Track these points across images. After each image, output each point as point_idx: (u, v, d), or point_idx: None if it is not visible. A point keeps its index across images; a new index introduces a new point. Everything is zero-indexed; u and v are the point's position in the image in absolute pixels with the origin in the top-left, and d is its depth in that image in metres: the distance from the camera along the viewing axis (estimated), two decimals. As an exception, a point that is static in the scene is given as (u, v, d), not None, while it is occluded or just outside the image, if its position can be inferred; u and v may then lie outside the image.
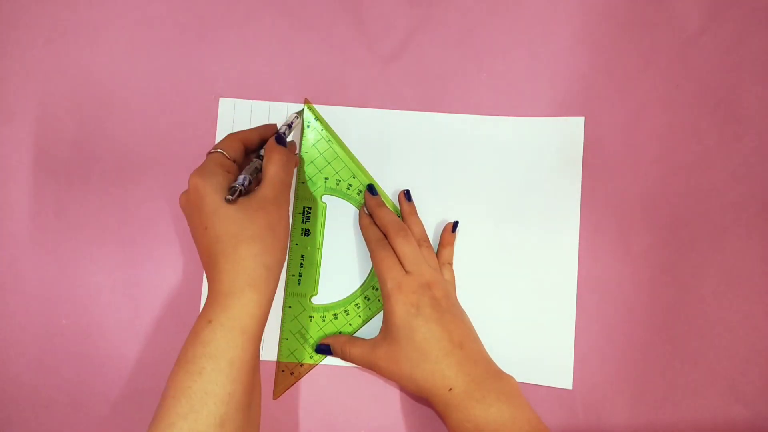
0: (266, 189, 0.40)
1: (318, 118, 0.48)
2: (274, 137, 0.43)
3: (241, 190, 0.39)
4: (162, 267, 0.48)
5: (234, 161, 0.42)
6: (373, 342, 0.44)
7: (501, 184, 0.48)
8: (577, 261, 0.47)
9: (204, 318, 0.37)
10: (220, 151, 0.41)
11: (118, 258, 0.48)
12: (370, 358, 0.44)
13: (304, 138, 0.49)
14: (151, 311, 0.48)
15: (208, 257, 0.39)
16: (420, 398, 0.46)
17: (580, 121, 0.48)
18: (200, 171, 0.40)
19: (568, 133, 0.48)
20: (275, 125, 0.46)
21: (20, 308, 0.48)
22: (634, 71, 0.48)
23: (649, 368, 0.46)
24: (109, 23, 0.50)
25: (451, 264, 0.47)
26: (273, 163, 0.41)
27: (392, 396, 0.47)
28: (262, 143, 0.45)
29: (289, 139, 0.46)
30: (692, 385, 0.46)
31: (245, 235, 0.38)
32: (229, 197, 0.38)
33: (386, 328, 0.44)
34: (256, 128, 0.45)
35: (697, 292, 0.47)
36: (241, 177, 0.40)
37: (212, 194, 0.38)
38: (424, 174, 0.49)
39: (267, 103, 0.49)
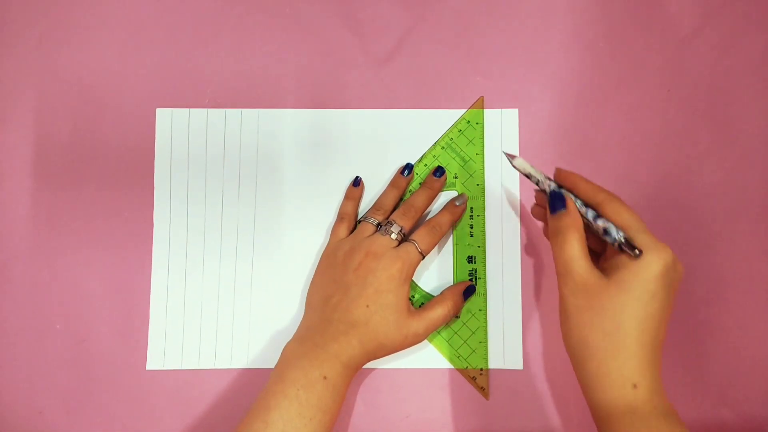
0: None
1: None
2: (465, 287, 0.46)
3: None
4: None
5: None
6: None
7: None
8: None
9: None
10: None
11: (112, 263, 0.48)
12: None
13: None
14: (145, 316, 0.48)
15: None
16: None
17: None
18: None
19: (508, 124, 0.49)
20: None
21: (13, 313, 0.47)
22: (626, 74, 0.49)
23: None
24: (103, 26, 0.49)
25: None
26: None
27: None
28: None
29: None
30: (681, 388, 0.47)
31: None
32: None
33: None
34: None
35: (688, 297, 0.47)
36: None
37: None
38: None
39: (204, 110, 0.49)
